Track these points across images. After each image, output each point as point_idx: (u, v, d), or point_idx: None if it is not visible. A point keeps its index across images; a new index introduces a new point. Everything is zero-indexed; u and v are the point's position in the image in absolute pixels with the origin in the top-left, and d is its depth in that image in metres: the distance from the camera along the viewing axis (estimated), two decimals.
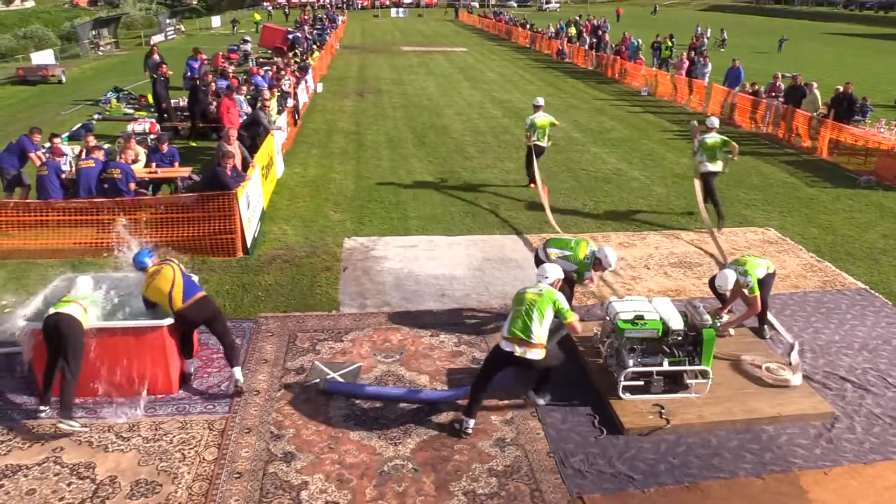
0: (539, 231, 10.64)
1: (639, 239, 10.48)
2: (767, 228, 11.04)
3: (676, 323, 6.39)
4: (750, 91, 19.77)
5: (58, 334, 5.79)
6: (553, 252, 7.44)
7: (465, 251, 9.86)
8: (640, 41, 30.73)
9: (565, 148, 16.17)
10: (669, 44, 29.33)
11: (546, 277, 6.27)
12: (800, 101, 17.71)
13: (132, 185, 10.02)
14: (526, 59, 36.18)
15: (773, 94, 19.23)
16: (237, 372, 6.41)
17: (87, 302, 6.08)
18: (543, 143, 12.35)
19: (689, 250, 10.03)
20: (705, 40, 34.35)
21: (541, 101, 12.53)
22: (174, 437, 5.88)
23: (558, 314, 5.95)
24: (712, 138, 10.95)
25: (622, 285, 8.82)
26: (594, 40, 34.36)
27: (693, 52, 26.98)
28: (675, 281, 9.03)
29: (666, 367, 6.36)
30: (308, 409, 6.25)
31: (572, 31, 39.31)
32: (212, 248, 9.29)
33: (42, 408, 6.00)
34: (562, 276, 6.45)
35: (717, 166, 10.96)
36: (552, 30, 41.73)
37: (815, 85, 17.96)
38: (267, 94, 14.19)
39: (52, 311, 5.89)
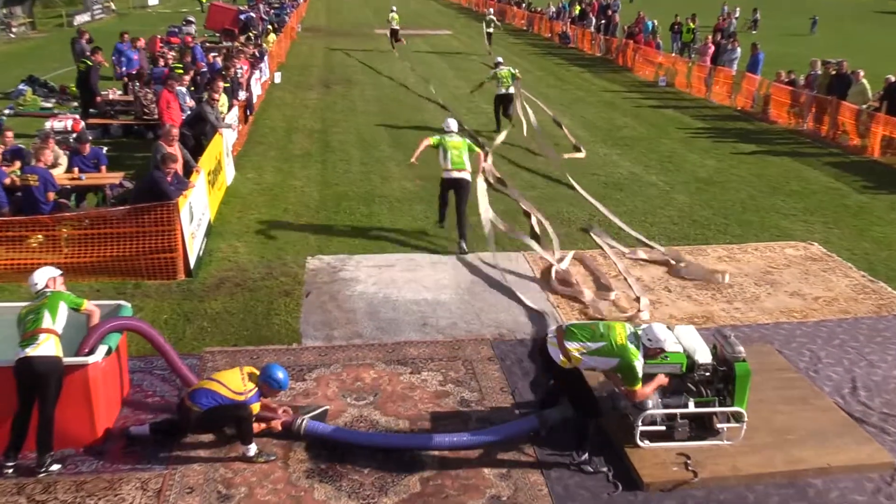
0: (542, 246, 10.66)
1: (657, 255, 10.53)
2: (810, 243, 11.14)
3: (703, 356, 6.38)
4: (785, 80, 20.05)
5: (33, 376, 5.86)
6: (574, 348, 6.05)
7: (451, 271, 9.86)
8: (656, 22, 31.23)
9: (569, 149, 16.28)
10: (691, 25, 29.75)
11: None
12: (845, 92, 17.97)
13: (51, 195, 9.93)
14: (522, 44, 36.55)
15: (808, 84, 19.50)
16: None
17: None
18: (510, 90, 17.29)
19: (718, 268, 10.09)
20: (734, 21, 34.88)
21: (500, 59, 18.44)
22: (99, 500, 5.77)
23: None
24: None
25: (638, 311, 8.83)
26: (602, 22, 34.82)
27: (719, 35, 27.37)
28: (702, 305, 9.06)
29: (692, 408, 6.35)
30: (263, 464, 6.17)
31: (577, 10, 39.80)
32: (148, 270, 9.22)
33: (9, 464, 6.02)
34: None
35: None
36: (552, 9, 42.34)
37: (861, 73, 18.25)
38: (220, 90, 14.14)
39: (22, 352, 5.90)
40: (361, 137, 16.95)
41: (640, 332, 6.08)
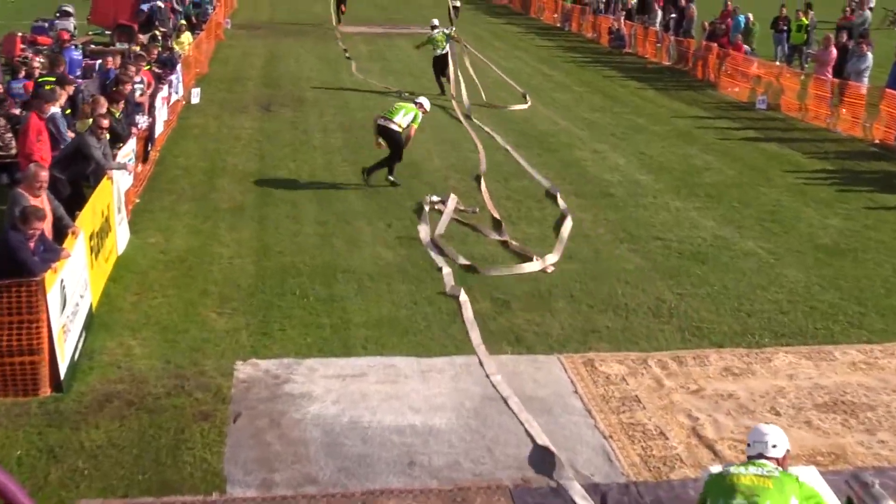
0: (582, 345, 10.70)
1: (759, 360, 10.56)
2: None
3: None
4: None
5: None
6: None
7: (450, 383, 9.86)
8: (751, 17, 31.70)
9: (625, 200, 16.49)
10: (804, 21, 30.22)
11: (771, 445, 6.45)
12: None
13: None
14: (555, 48, 37.32)
15: None
16: None
17: None
18: (444, 50, 25.80)
19: (851, 381, 10.09)
20: (867, 14, 34.49)
21: (436, 21, 27.35)
22: None
23: None
24: None
25: (731, 443, 8.80)
26: (672, 16, 35.39)
27: (845, 35, 27.56)
28: (828, 436, 9.03)
29: None
30: None
31: None
32: None
33: None
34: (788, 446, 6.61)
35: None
36: None
37: None
38: (102, 105, 14.37)
39: None
40: (318, 183, 17.18)
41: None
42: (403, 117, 16.67)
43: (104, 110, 14.18)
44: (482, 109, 24.00)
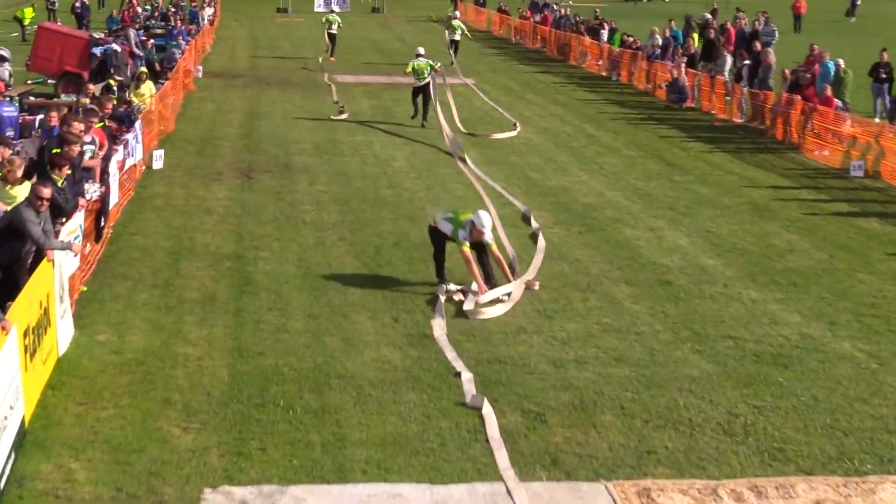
0: (636, 470, 10.64)
1: (859, 492, 10.46)
2: None
3: None
4: None
5: None
6: None
7: None
8: (842, 63, 31.63)
9: (688, 289, 16.58)
10: None
11: None
12: None
13: None
14: (600, 102, 37.63)
15: None
16: None
17: None
18: (424, 81, 31.59)
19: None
20: None
21: (421, 50, 33.46)
22: None
23: None
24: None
25: None
26: (746, 63, 35.26)
27: None
28: None
29: None
30: None
31: (696, 41, 40.86)
32: None
33: None
34: None
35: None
36: (657, 39, 43.07)
37: None
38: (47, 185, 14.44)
39: None
40: (308, 269, 17.26)
41: None
42: (443, 222, 16.32)
43: (44, 185, 14.22)
44: (511, 177, 24.28)
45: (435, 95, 31.37)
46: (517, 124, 31.47)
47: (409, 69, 32.03)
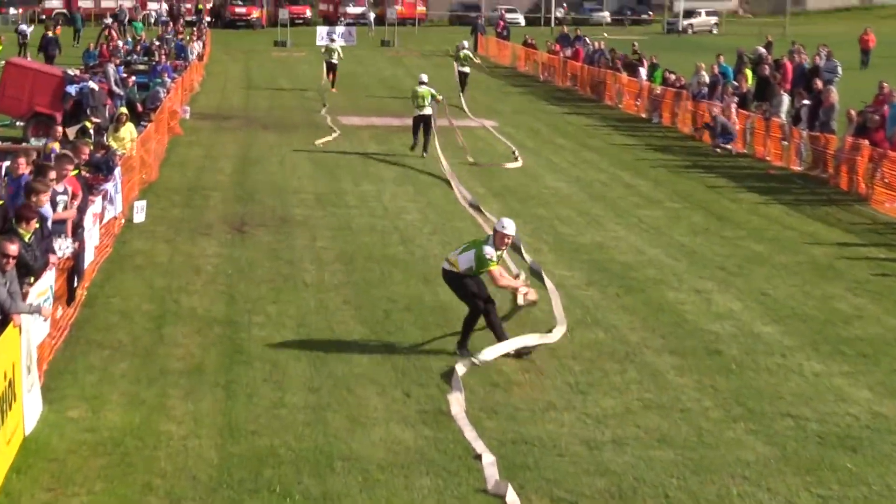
0: None
1: None
2: None
3: None
4: None
5: None
6: None
7: None
8: None
9: (741, 360, 16.49)
10: None
11: None
12: None
13: None
14: (639, 147, 37.81)
15: None
16: None
17: None
18: (426, 111, 34.71)
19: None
20: None
21: (424, 77, 36.87)
22: None
23: None
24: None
25: None
26: (804, 104, 35.16)
27: None
28: None
29: None
30: None
31: (749, 78, 40.75)
32: None
33: None
34: None
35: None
36: (701, 78, 42.94)
37: None
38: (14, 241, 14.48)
39: None
40: (308, 336, 17.27)
41: None
42: (461, 255, 16.63)
43: (11, 241, 14.27)
44: (538, 231, 24.37)
45: (435, 128, 35.00)
46: (516, 152, 35.28)
47: (411, 94, 35.58)
